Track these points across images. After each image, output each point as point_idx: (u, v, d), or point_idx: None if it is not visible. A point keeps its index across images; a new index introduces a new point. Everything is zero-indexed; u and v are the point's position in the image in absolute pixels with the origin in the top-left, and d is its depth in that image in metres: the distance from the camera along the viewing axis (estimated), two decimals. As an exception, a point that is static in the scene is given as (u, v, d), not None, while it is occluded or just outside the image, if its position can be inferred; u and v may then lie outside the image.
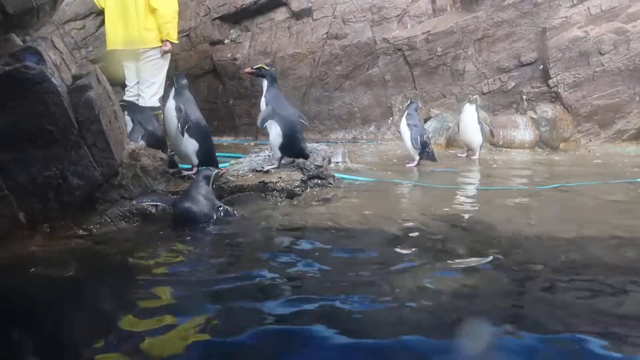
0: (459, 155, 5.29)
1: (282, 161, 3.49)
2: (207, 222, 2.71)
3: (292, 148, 3.47)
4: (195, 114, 3.42)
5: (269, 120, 3.40)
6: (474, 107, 5.07)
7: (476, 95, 5.34)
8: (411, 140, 4.54)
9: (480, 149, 5.17)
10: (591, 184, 3.85)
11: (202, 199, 2.75)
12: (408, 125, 4.59)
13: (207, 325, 1.59)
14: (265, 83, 3.54)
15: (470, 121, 5.06)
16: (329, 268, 2.06)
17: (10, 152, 2.36)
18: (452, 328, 1.56)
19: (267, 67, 3.64)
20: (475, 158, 5.10)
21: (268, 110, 3.42)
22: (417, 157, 4.60)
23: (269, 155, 3.66)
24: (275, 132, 3.40)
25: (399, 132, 4.85)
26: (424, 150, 4.56)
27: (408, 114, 4.68)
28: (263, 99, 3.51)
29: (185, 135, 3.30)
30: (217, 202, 2.84)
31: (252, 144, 5.81)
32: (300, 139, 3.51)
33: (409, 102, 4.91)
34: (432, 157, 4.61)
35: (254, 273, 2.04)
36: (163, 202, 2.81)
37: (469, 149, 5.22)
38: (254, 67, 3.68)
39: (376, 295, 1.80)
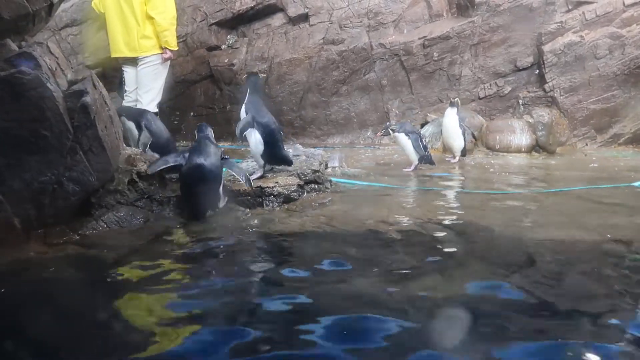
0: (446, 159, 5.30)
1: (266, 168, 3.47)
2: (217, 183, 2.81)
3: (274, 156, 3.43)
4: (157, 125, 3.41)
5: (249, 129, 3.35)
6: (455, 110, 5.14)
7: (457, 99, 5.37)
8: (414, 147, 4.61)
9: (461, 152, 5.21)
10: (586, 188, 3.86)
11: (212, 156, 2.85)
12: (406, 133, 4.65)
13: (200, 329, 1.58)
14: (248, 90, 3.50)
15: (451, 125, 5.12)
16: (324, 272, 2.05)
17: (5, 158, 2.35)
18: (450, 333, 1.55)
19: (250, 74, 3.60)
20: (455, 162, 5.15)
21: (247, 119, 3.36)
22: (417, 162, 4.66)
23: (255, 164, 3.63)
24: (256, 140, 3.37)
25: (397, 141, 4.86)
26: (424, 154, 4.64)
27: (400, 126, 4.77)
28: (243, 107, 3.46)
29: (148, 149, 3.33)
30: (224, 156, 2.95)
31: (249, 148, 5.79)
32: (282, 146, 3.47)
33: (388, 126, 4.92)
34: (430, 161, 4.70)
35: (249, 278, 2.03)
36: (176, 162, 2.86)
37: (451, 152, 5.25)
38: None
39: (371, 300, 1.79)
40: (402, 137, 4.67)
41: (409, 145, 4.62)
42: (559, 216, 3.06)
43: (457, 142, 5.14)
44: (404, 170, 4.63)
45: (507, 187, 4.04)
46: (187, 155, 2.84)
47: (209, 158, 2.81)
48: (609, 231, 2.60)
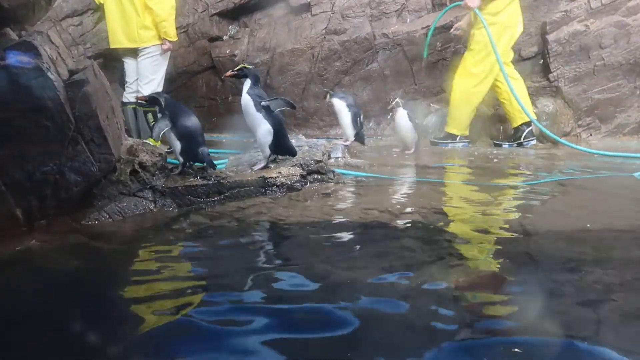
0: (393, 150, 5.27)
1: (270, 158, 3.51)
2: (202, 138, 3.16)
3: (281, 146, 3.49)
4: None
5: (260, 115, 3.39)
6: (402, 108, 5.10)
7: (397, 99, 5.25)
8: (352, 122, 4.76)
9: (415, 145, 5.13)
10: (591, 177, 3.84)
11: (193, 116, 3.21)
12: (348, 106, 4.77)
13: (205, 317, 1.57)
14: (248, 82, 3.50)
15: (401, 120, 5.09)
16: (327, 262, 2.04)
17: (6, 149, 2.34)
18: (451, 326, 1.54)
19: (248, 67, 3.61)
20: (410, 152, 5.11)
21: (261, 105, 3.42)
22: (352, 138, 4.80)
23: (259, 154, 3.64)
24: (265, 130, 3.40)
25: (335, 109, 4.90)
26: (360, 131, 4.82)
27: (342, 96, 4.87)
28: (246, 96, 3.46)
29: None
30: None
31: (252, 140, 5.77)
32: (287, 135, 3.57)
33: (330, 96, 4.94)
34: (362, 140, 4.91)
35: (252, 266, 2.02)
36: (167, 126, 3.13)
37: (405, 146, 5.20)
38: (235, 69, 3.60)
39: (374, 290, 1.78)
40: (342, 107, 4.74)
41: (347, 118, 4.73)
42: (563, 205, 3.05)
43: (411, 136, 5.12)
44: (337, 142, 4.65)
45: (510, 178, 4.02)
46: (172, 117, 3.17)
47: (192, 120, 3.20)
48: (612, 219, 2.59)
